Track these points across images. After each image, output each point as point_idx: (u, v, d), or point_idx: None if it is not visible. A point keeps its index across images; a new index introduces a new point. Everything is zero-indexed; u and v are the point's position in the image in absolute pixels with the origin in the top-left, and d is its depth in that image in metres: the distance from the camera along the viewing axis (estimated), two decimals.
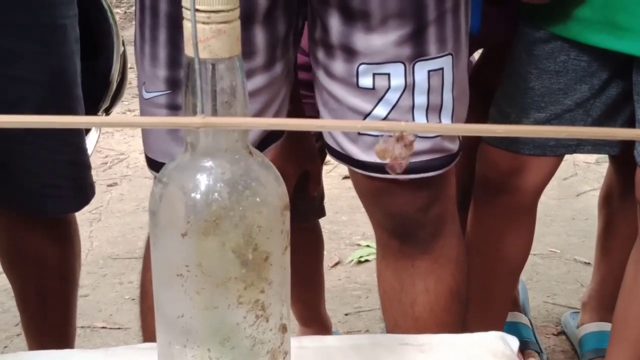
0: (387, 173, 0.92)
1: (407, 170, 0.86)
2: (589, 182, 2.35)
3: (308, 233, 1.43)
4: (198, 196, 0.57)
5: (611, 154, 1.33)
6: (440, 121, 0.96)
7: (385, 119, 0.92)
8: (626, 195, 1.30)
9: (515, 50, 1.20)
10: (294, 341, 0.68)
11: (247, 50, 0.88)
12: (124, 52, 1.26)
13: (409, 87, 0.92)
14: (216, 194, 0.57)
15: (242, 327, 0.59)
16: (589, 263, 1.90)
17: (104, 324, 1.74)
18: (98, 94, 1.14)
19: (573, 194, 2.31)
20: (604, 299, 1.51)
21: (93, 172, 1.24)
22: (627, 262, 1.25)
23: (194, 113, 0.55)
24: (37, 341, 1.31)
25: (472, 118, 1.26)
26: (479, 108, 1.25)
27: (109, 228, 2.07)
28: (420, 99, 0.93)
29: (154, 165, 0.98)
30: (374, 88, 0.93)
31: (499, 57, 1.24)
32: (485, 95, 1.25)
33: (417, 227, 1.03)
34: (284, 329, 0.62)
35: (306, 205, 1.33)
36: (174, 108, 0.93)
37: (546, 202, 2.28)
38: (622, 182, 1.40)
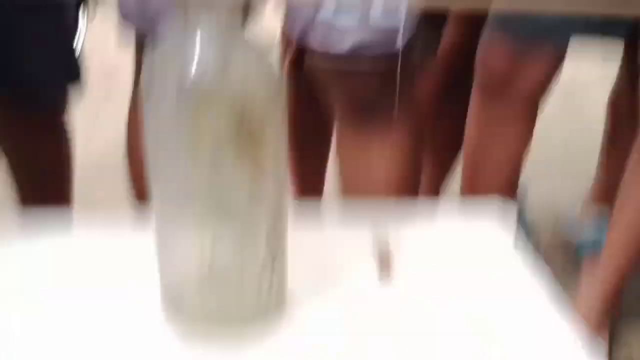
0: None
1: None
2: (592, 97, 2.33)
3: None
4: (191, 71, 0.55)
5: (620, 35, 1.28)
6: None
7: None
8: (635, 95, 1.28)
9: None
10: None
11: None
12: None
13: None
14: (208, 72, 0.56)
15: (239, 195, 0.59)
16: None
17: None
18: None
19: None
20: (606, 198, 1.51)
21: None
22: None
23: None
24: None
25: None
26: None
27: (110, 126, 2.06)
28: None
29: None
30: None
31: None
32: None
33: (370, 109, 1.08)
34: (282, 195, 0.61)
35: None
36: None
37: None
38: (632, 81, 1.39)
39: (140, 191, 1.17)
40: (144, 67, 0.58)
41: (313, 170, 1.56)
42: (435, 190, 1.63)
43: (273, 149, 0.59)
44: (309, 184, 1.57)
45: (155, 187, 0.60)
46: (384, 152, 1.12)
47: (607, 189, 1.56)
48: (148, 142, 0.59)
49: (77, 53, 1.23)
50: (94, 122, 2.15)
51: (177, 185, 0.59)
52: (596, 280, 1.33)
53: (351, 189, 1.18)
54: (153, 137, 0.59)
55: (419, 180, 1.21)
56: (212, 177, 0.57)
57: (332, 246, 0.73)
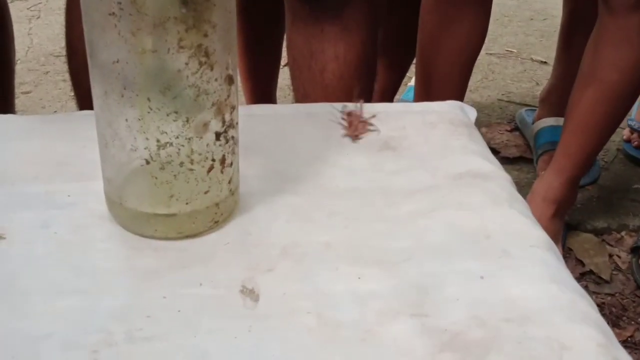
0: None
1: None
2: None
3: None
4: None
5: None
6: None
7: None
8: None
9: None
10: (243, 109, 0.64)
11: None
12: None
13: None
14: None
15: (184, 74, 0.54)
16: (545, 62, 1.87)
17: None
18: None
19: None
20: (563, 94, 1.48)
21: None
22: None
23: None
24: None
25: None
26: None
27: (49, 25, 1.97)
28: None
29: None
30: None
31: None
32: None
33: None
34: (230, 80, 0.57)
35: None
36: None
37: (504, 2, 2.23)
38: None
39: (82, 88, 1.10)
40: None
41: (265, 76, 1.52)
42: (388, 96, 1.59)
43: (221, 33, 0.54)
44: (260, 89, 1.53)
45: (95, 77, 0.55)
46: (338, 48, 1.06)
47: (560, 88, 1.53)
48: (85, 25, 0.53)
49: None
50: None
51: (117, 72, 0.54)
52: (548, 179, 1.32)
53: (303, 79, 1.12)
54: (91, 19, 0.53)
55: (373, 75, 1.15)
56: (154, 63, 0.52)
57: (291, 146, 0.69)
